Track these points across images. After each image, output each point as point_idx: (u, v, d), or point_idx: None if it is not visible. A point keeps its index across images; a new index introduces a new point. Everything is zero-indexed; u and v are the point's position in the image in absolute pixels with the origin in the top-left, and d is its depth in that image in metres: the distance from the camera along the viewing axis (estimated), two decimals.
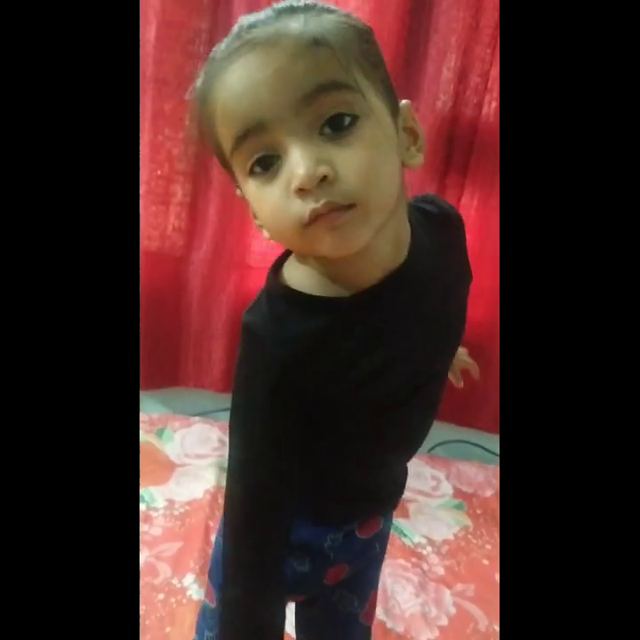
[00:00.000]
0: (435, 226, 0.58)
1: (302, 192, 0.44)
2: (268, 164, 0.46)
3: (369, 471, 0.64)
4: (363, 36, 0.49)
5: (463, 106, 1.51)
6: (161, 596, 1.10)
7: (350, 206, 0.44)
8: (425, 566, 1.30)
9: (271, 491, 0.55)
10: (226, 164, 0.51)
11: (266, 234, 0.52)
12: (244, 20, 0.47)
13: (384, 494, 0.71)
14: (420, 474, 1.67)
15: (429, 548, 1.37)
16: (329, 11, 0.48)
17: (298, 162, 0.43)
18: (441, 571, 1.30)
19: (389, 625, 1.13)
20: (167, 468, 1.52)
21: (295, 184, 0.43)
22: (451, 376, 0.80)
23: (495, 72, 1.49)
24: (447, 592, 1.24)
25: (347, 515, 0.66)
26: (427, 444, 1.82)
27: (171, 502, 1.39)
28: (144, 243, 1.65)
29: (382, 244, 0.50)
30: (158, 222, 1.64)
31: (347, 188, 0.44)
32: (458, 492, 1.61)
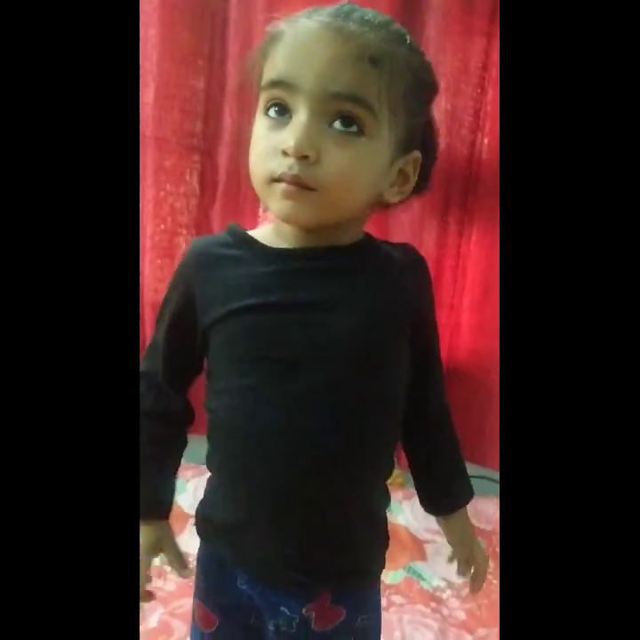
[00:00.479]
0: (389, 263, 0.61)
1: (285, 155, 0.51)
2: (281, 112, 0.52)
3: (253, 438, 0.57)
4: (421, 84, 0.55)
5: (458, 144, 1.54)
6: None
7: (311, 189, 0.51)
8: (445, 611, 1.28)
9: (155, 382, 0.65)
10: (257, 92, 0.56)
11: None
12: (347, 5, 0.53)
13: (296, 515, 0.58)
14: None
15: (449, 592, 1.34)
16: (407, 45, 0.53)
17: (296, 132, 0.50)
18: (462, 615, 1.27)
19: None
20: (180, 519, 1.51)
21: (282, 146, 0.50)
22: (459, 565, 0.73)
23: (485, 111, 1.53)
24: (469, 638, 1.21)
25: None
26: None
27: (185, 556, 1.37)
28: (150, 295, 1.68)
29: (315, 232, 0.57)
30: (164, 275, 1.68)
31: (318, 174, 0.51)
32: (476, 531, 1.58)
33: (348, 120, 0.51)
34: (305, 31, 0.51)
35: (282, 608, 0.61)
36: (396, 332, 0.60)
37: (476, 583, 0.72)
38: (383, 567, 0.70)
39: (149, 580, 0.70)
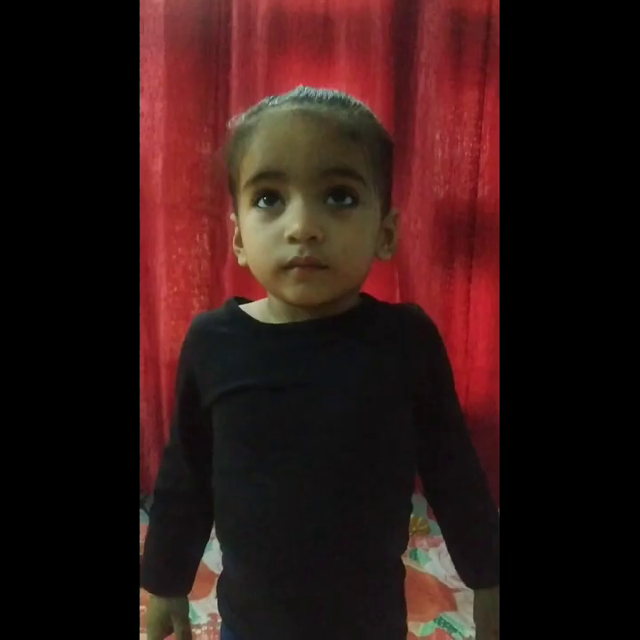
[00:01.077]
0: (387, 331, 0.60)
1: (293, 240, 0.51)
2: (272, 202, 0.53)
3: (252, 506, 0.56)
4: (387, 148, 0.59)
5: (458, 192, 1.59)
6: None
7: (324, 267, 0.52)
8: None
9: (174, 470, 0.66)
10: (234, 191, 0.58)
11: (242, 260, 0.60)
12: (305, 89, 0.55)
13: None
14: None
15: None
16: (371, 117, 0.57)
17: (299, 217, 0.51)
18: None
19: None
20: (207, 579, 1.50)
21: (289, 233, 0.51)
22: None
23: (484, 159, 1.58)
24: None
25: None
26: None
27: (214, 617, 1.36)
28: (166, 356, 1.72)
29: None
30: (178, 335, 1.71)
31: (329, 252, 0.52)
32: None
33: (340, 194, 0.52)
34: (279, 120, 0.52)
35: None
36: (395, 406, 0.58)
37: None
38: (406, 632, 0.68)
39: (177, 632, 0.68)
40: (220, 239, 1.69)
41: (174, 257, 1.68)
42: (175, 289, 1.68)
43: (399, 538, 0.62)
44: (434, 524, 1.77)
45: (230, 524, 0.59)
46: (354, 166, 0.52)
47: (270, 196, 0.53)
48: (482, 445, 1.68)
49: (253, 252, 0.55)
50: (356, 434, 0.55)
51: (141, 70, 1.59)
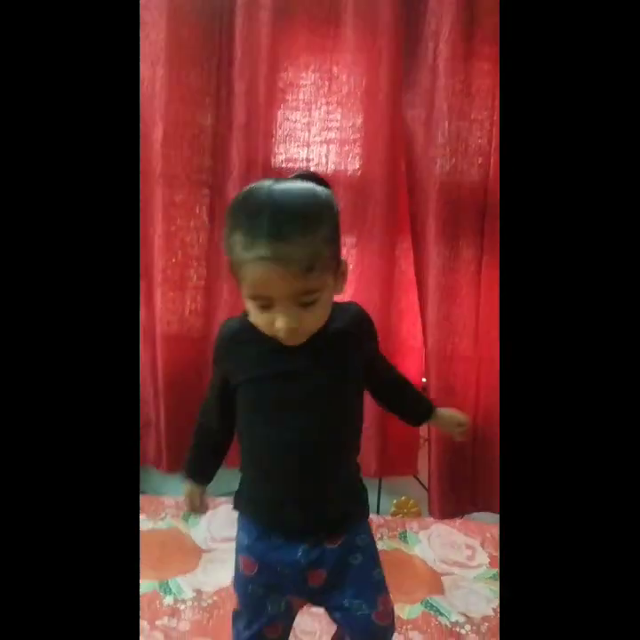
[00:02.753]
0: (343, 330, 0.90)
1: (280, 330, 0.80)
2: (265, 305, 0.79)
3: (266, 439, 0.89)
4: (335, 234, 0.82)
5: (466, 167, 1.54)
6: None
7: (301, 334, 0.82)
8: None
9: (209, 418, 1.00)
10: (234, 274, 0.81)
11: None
12: (261, 222, 0.75)
13: (299, 494, 0.89)
14: (454, 543, 1.62)
15: (468, 627, 1.31)
16: (314, 228, 0.77)
17: (282, 321, 0.78)
18: None
19: None
20: (194, 554, 1.51)
21: (277, 326, 0.79)
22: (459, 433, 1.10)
23: (496, 133, 1.53)
24: None
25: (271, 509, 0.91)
26: (458, 510, 1.78)
27: (199, 593, 1.36)
28: (163, 327, 1.69)
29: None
30: (176, 307, 1.69)
31: (304, 329, 0.81)
32: (494, 561, 1.55)
33: (306, 300, 0.78)
34: (259, 270, 0.75)
35: (304, 544, 0.90)
36: (355, 374, 0.92)
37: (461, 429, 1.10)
38: (367, 511, 0.99)
39: (195, 507, 1.06)
40: (220, 211, 1.66)
41: (173, 228, 1.65)
42: (173, 260, 1.65)
43: (357, 448, 0.97)
44: (424, 507, 1.76)
45: (254, 456, 0.91)
46: (312, 287, 0.77)
47: (263, 303, 0.79)
48: (489, 445, 1.66)
49: (254, 322, 0.83)
50: (330, 400, 0.88)
51: (142, 34, 1.55)
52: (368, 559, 0.94)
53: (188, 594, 1.36)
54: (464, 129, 1.54)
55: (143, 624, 1.25)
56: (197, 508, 1.07)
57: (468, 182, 1.56)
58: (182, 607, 1.31)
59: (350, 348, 0.90)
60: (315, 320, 0.82)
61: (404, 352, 1.69)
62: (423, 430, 1.72)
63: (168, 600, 1.33)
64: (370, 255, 1.61)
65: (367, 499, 0.99)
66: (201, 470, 1.06)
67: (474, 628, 1.31)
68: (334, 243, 0.81)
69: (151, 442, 1.79)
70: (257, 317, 0.81)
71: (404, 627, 1.30)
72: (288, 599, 0.94)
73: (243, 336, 0.89)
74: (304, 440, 0.87)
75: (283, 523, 0.90)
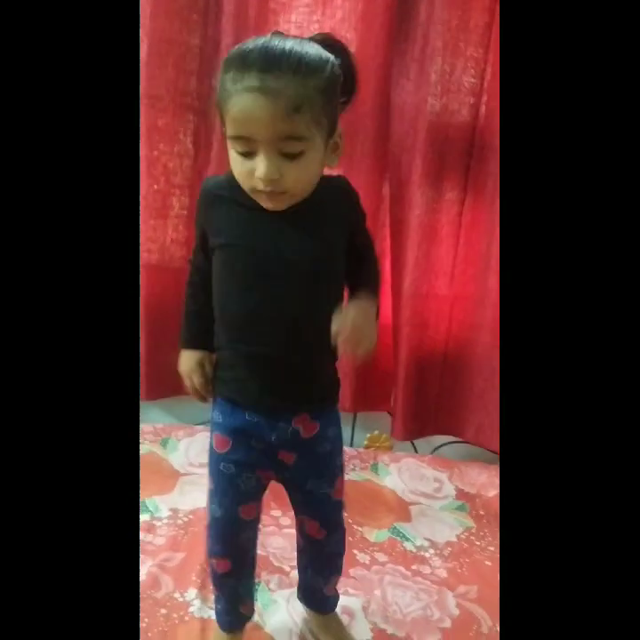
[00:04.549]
0: (328, 202, 0.86)
1: (260, 179, 0.76)
2: (247, 151, 0.76)
3: (237, 306, 0.87)
4: (330, 93, 0.77)
5: (456, 105, 1.52)
6: (163, 611, 1.11)
7: (283, 192, 0.78)
8: (427, 570, 1.31)
9: (195, 284, 0.97)
10: (222, 123, 0.78)
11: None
12: (273, 45, 0.73)
13: (274, 377, 0.88)
14: (423, 476, 1.68)
15: (432, 551, 1.38)
16: (308, 71, 0.73)
17: (262, 166, 0.74)
18: (443, 573, 1.31)
19: (390, 631, 1.13)
20: (171, 477, 1.55)
21: (257, 175, 0.75)
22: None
23: (490, 72, 1.50)
24: (450, 594, 1.24)
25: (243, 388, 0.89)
26: (429, 446, 1.85)
27: (174, 512, 1.41)
28: (144, 256, 1.68)
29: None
30: (157, 235, 1.67)
31: (285, 185, 0.77)
32: (460, 494, 1.62)
33: (291, 149, 0.74)
34: (245, 101, 0.72)
35: (279, 423, 0.90)
36: (337, 250, 0.88)
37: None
38: (337, 398, 0.98)
39: (198, 391, 0.96)
40: (205, 138, 1.62)
41: (155, 153, 1.61)
42: (155, 187, 1.62)
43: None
44: (395, 442, 1.82)
45: (227, 324, 0.89)
46: (299, 132, 0.73)
47: (245, 147, 0.75)
48: (464, 375, 1.71)
49: (235, 173, 0.79)
50: (309, 273, 0.84)
51: None
52: (335, 449, 0.98)
53: (165, 512, 1.40)
54: (458, 67, 1.50)
55: None
56: (200, 388, 0.96)
57: (457, 122, 1.53)
58: (158, 524, 1.36)
59: (334, 223, 0.87)
60: (298, 177, 0.77)
61: (384, 291, 1.70)
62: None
63: (145, 517, 1.38)
64: (357, 191, 1.59)
65: (339, 387, 0.97)
66: (194, 336, 0.98)
67: (437, 551, 1.38)
68: (329, 99, 0.76)
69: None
70: (238, 167, 0.78)
71: (371, 548, 1.36)
72: (258, 475, 0.94)
73: (223, 193, 0.86)
74: (279, 315, 0.84)
75: (257, 401, 0.89)
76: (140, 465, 1.58)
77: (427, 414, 1.74)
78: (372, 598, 1.21)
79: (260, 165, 0.74)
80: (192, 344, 0.98)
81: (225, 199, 0.86)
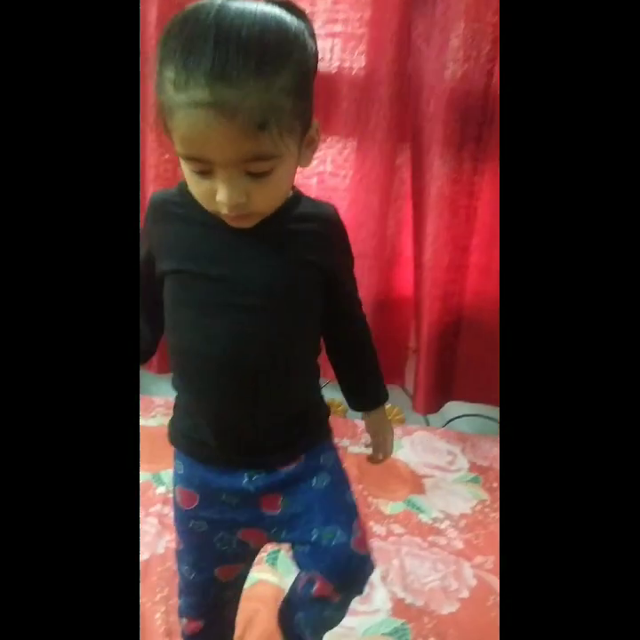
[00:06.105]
0: (301, 231, 0.72)
1: (222, 205, 0.62)
2: (203, 171, 0.61)
3: (186, 342, 0.73)
4: (304, 85, 0.60)
5: (477, 73, 1.47)
6: None
7: (250, 214, 0.64)
8: (443, 541, 1.32)
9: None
10: (166, 133, 0.63)
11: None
12: (197, 49, 0.54)
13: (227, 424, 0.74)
14: (436, 449, 1.68)
15: (447, 523, 1.39)
16: (274, 68, 0.56)
17: (224, 191, 0.60)
18: (460, 544, 1.31)
19: (409, 600, 1.14)
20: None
21: (219, 199, 0.61)
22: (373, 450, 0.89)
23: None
24: (466, 565, 1.25)
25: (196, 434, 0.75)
26: (441, 419, 1.85)
27: None
28: None
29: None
30: None
31: (253, 207, 0.63)
32: (474, 466, 1.62)
33: (256, 170, 0.60)
34: (193, 120, 0.56)
35: (248, 471, 0.75)
36: (310, 282, 0.72)
37: (379, 457, 0.89)
38: (325, 432, 0.81)
39: None
40: None
41: None
42: (166, 156, 1.59)
43: (308, 359, 0.78)
44: (408, 415, 1.82)
45: (181, 368, 0.75)
46: (265, 151, 0.58)
47: (201, 167, 0.60)
48: (471, 342, 1.70)
49: (193, 192, 0.64)
50: (274, 303, 0.70)
51: None
52: (338, 480, 0.77)
53: None
54: (479, 32, 1.45)
55: None
56: None
57: (476, 90, 1.49)
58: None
59: (310, 249, 0.71)
60: (267, 197, 0.63)
61: (399, 263, 1.68)
62: (412, 341, 1.74)
63: (160, 490, 1.38)
64: (371, 161, 1.56)
65: (326, 418, 0.81)
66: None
67: (452, 523, 1.38)
68: (302, 95, 0.60)
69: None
70: (194, 185, 0.63)
71: (386, 521, 1.37)
72: (240, 536, 0.77)
73: (174, 209, 0.70)
74: (238, 352, 0.69)
75: (217, 457, 0.75)
76: (153, 437, 1.58)
77: (447, 386, 1.73)
78: (390, 568, 1.22)
79: (222, 190, 0.60)
80: None
81: (176, 216, 0.70)
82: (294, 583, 0.79)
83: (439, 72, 1.46)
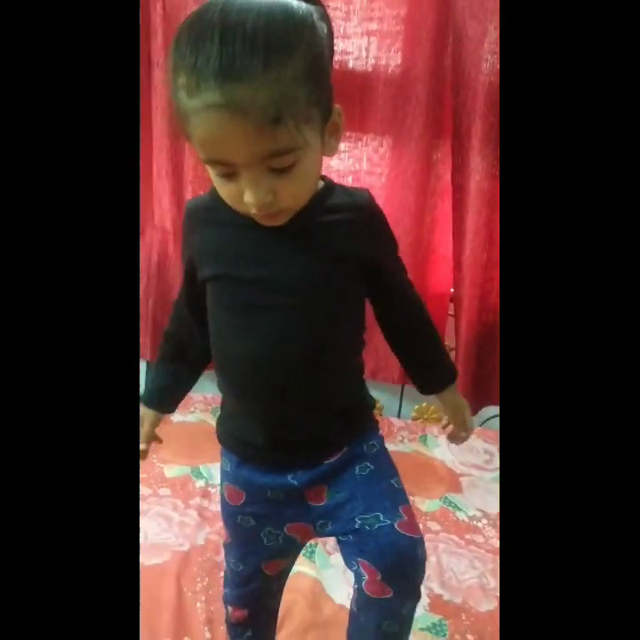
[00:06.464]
0: (336, 221, 0.70)
1: (250, 205, 0.61)
2: (227, 173, 0.61)
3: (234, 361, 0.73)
4: (318, 69, 0.58)
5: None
6: (221, 574, 1.14)
7: (280, 211, 0.63)
8: (480, 539, 1.31)
9: (178, 327, 0.82)
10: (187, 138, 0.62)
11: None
12: (205, 54, 0.54)
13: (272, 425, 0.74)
14: (473, 448, 1.67)
15: (485, 521, 1.37)
16: (283, 58, 0.55)
17: (250, 191, 0.60)
18: (497, 543, 1.30)
19: (447, 597, 1.14)
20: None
21: (246, 200, 0.60)
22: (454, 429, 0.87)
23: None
24: None
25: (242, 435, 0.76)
26: (478, 419, 1.83)
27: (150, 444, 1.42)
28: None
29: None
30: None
31: (281, 205, 0.62)
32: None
33: (279, 165, 0.59)
34: (208, 123, 0.56)
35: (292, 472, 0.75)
36: (350, 275, 0.71)
37: (463, 434, 0.88)
38: (369, 427, 0.80)
39: (144, 443, 0.85)
40: None
41: None
42: None
43: (350, 356, 0.77)
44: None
45: (224, 371, 0.76)
46: (283, 146, 0.57)
47: (224, 170, 0.60)
48: (473, 338, 1.65)
49: (221, 195, 0.64)
50: (315, 302, 0.69)
51: None
52: (382, 467, 0.76)
53: (218, 479, 1.42)
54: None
55: (177, 503, 1.33)
56: (142, 441, 0.84)
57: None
58: (213, 491, 1.38)
59: (346, 241, 0.69)
60: (294, 192, 0.62)
61: (433, 261, 1.68)
62: (450, 340, 1.73)
63: (200, 483, 1.41)
64: (407, 158, 1.56)
65: (370, 410, 0.81)
66: (153, 389, 0.85)
67: (490, 522, 1.37)
68: (316, 82, 0.58)
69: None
70: (221, 188, 0.63)
71: (423, 518, 1.36)
72: (286, 531, 0.78)
73: (207, 215, 0.71)
74: (278, 353, 0.69)
75: (262, 458, 0.75)
76: (192, 432, 1.61)
77: (486, 389, 1.71)
78: (427, 564, 1.21)
79: (247, 191, 0.60)
80: (145, 399, 0.85)
81: (209, 221, 0.71)
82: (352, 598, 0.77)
83: (477, 65, 1.44)
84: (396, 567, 0.69)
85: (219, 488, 1.36)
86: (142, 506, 1.29)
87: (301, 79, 0.56)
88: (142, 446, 0.85)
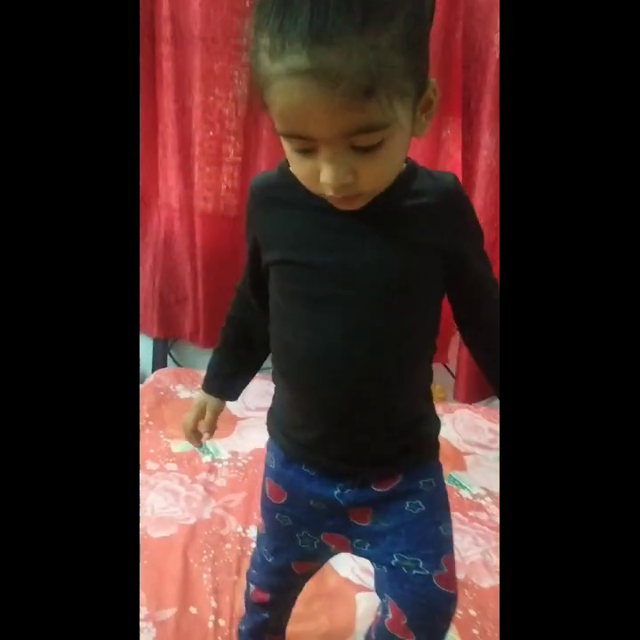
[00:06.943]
0: (416, 207, 0.63)
1: (328, 185, 0.56)
2: (305, 148, 0.55)
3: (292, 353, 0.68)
4: (417, 36, 0.51)
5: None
6: (228, 546, 1.15)
7: (360, 194, 0.57)
8: (484, 516, 1.32)
9: (241, 307, 0.79)
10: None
11: None
12: (294, 7, 0.48)
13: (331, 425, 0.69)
14: (477, 427, 1.67)
15: (488, 499, 1.38)
16: (382, 21, 0.48)
17: (329, 170, 0.54)
18: None
19: None
20: (230, 421, 1.58)
21: (323, 180, 0.55)
22: None
23: None
24: None
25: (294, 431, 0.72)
26: (482, 395, 1.84)
27: (234, 454, 1.45)
28: (200, 204, 1.68)
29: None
30: (212, 183, 1.67)
31: (361, 188, 0.56)
32: None
33: (364, 143, 0.53)
34: (291, 91, 0.50)
35: (343, 478, 0.71)
36: (427, 268, 0.65)
37: None
38: (433, 453, 0.75)
39: (193, 432, 0.83)
40: None
41: (211, 99, 1.59)
42: (211, 133, 1.61)
43: (421, 362, 0.72)
44: (450, 393, 1.81)
45: (282, 361, 0.71)
46: (372, 122, 0.51)
47: (302, 145, 0.55)
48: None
49: (295, 173, 0.59)
50: (387, 297, 0.63)
51: None
52: (433, 508, 0.71)
53: (225, 455, 1.44)
54: None
55: (184, 478, 1.34)
56: (190, 437, 0.83)
57: None
58: (219, 466, 1.40)
59: (427, 230, 0.63)
60: (377, 174, 0.56)
61: None
62: None
63: (206, 458, 1.42)
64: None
65: (435, 432, 0.75)
66: (213, 376, 0.82)
67: (493, 500, 1.38)
68: (416, 49, 0.51)
69: (188, 319, 1.83)
70: (296, 165, 0.58)
71: None
72: (322, 538, 0.75)
73: (275, 193, 0.66)
74: (343, 350, 0.64)
75: (314, 459, 0.71)
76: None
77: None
78: None
79: (326, 169, 0.54)
80: (207, 385, 0.82)
81: (277, 201, 0.66)
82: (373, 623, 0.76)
83: (489, 36, 1.42)
84: (424, 618, 0.68)
85: (225, 463, 1.40)
86: (150, 480, 1.31)
87: (401, 46, 0.49)
88: (205, 436, 0.83)
